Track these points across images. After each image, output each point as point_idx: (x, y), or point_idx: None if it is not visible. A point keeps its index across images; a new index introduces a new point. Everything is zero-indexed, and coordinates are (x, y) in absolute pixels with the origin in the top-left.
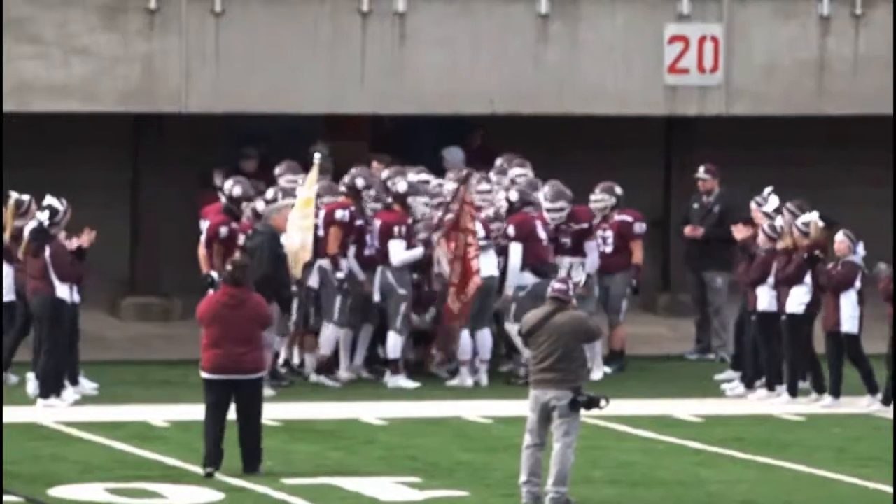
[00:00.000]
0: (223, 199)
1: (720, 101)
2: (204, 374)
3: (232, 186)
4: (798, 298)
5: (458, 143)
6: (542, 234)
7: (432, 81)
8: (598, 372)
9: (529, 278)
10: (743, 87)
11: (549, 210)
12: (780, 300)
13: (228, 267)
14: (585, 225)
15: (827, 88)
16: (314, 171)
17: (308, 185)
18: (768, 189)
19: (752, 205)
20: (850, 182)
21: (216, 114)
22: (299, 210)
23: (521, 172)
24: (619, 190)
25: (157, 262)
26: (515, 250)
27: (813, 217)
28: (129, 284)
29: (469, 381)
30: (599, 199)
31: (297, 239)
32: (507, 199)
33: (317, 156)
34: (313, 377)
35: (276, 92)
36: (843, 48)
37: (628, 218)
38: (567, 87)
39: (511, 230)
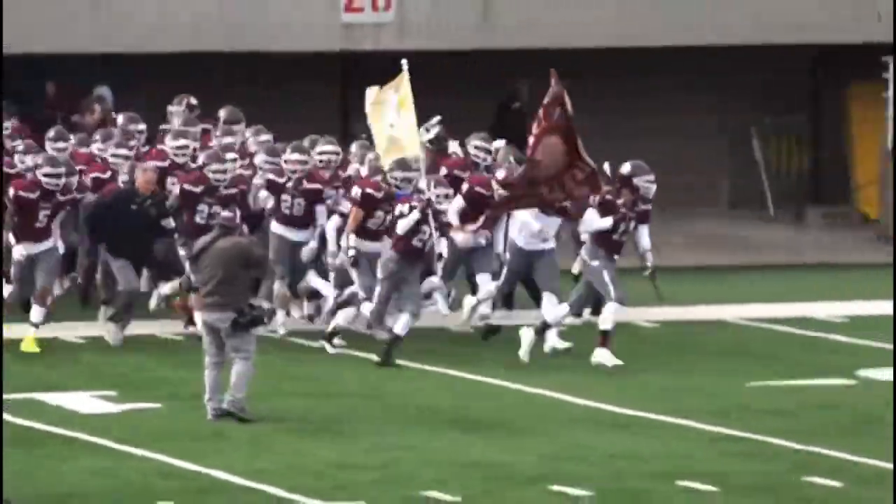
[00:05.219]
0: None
1: (394, 37)
2: None
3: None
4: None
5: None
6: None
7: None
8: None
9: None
10: (415, 23)
11: (287, 161)
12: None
13: None
14: (318, 186)
15: (492, 22)
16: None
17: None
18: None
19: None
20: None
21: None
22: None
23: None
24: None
25: None
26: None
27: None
28: None
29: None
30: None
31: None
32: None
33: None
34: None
35: None
36: None
37: None
38: (250, 25)
39: (356, 192)
